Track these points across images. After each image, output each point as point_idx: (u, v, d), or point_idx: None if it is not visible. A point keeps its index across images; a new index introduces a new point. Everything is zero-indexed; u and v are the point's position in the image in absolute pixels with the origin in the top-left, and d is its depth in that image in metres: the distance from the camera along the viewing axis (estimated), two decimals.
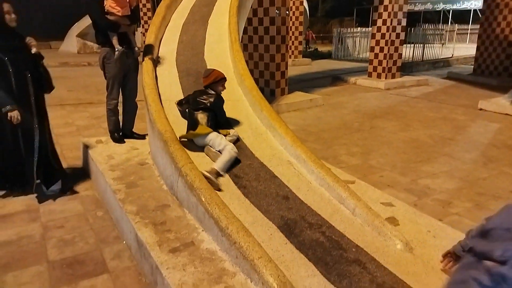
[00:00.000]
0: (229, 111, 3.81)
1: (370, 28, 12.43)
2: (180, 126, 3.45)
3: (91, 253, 2.71)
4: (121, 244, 2.81)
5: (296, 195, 2.84)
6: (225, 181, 2.89)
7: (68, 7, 19.75)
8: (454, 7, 21.69)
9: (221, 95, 3.50)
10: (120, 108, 4.11)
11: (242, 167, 3.12)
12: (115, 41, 3.74)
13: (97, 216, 3.20)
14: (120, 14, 3.71)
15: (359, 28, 18.96)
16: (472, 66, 11.57)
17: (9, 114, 3.10)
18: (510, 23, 10.08)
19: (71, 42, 17.84)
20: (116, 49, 3.72)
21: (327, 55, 18.36)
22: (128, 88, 4.04)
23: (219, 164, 2.96)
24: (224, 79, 3.51)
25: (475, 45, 11.58)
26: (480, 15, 11.25)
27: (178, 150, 2.87)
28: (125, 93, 4.07)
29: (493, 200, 3.54)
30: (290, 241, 2.33)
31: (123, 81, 3.97)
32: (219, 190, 2.75)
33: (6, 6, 3.14)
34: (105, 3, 3.67)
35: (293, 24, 14.86)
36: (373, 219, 2.49)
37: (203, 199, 2.45)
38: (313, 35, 12.69)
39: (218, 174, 2.88)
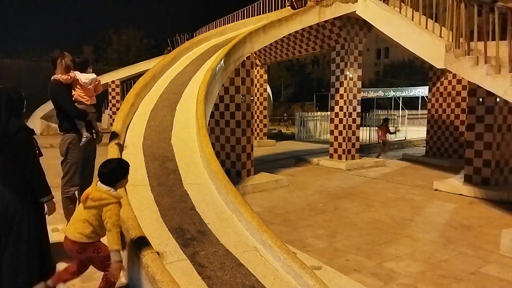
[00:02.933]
0: (195, 195, 3.82)
1: (329, 112, 13.32)
2: (143, 212, 3.38)
3: None
4: None
5: (262, 285, 2.76)
6: (189, 271, 2.78)
7: (31, 88, 19.94)
8: (403, 94, 23.95)
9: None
10: None
11: (207, 255, 3.04)
12: (83, 128, 3.78)
13: None
14: (88, 103, 3.81)
15: (319, 112, 20.25)
16: (424, 148, 12.43)
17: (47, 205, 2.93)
18: (454, 109, 11.18)
19: (35, 124, 17.63)
20: (84, 136, 3.75)
21: (291, 137, 19.19)
22: (85, 174, 3.97)
23: None
24: None
25: (425, 128, 12.57)
26: (427, 101, 12.43)
27: (140, 239, 2.77)
28: (81, 179, 3.97)
29: (456, 283, 3.59)
30: None
31: (83, 166, 3.92)
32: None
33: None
34: (73, 92, 3.78)
35: (257, 108, 15.67)
36: None
37: None
38: (385, 133, 11.17)
39: None
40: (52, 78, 3.82)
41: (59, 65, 3.86)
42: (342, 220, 5.55)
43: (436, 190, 7.44)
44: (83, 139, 3.73)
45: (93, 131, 4.00)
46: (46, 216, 3.03)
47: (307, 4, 9.55)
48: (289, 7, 10.55)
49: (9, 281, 2.82)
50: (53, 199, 3.01)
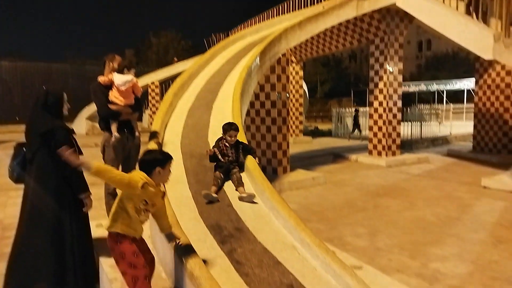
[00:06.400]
0: (232, 192, 3.83)
1: (367, 108, 12.94)
2: (181, 209, 3.43)
3: None
4: None
5: (301, 283, 2.71)
6: (226, 267, 2.79)
7: (76, 90, 20.94)
8: (448, 87, 22.80)
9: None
10: None
11: (244, 253, 3.03)
12: (113, 128, 3.91)
13: None
14: (122, 104, 3.92)
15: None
16: (471, 143, 11.78)
17: (85, 201, 3.08)
18: (503, 103, 10.50)
19: (80, 124, 18.58)
20: (113, 137, 3.87)
21: (327, 133, 18.87)
22: (128, 171, 4.10)
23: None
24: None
25: (471, 123, 11.92)
26: (474, 95, 11.78)
27: (179, 235, 2.81)
28: None
29: (508, 285, 3.36)
30: None
31: (124, 164, 4.05)
32: None
33: (65, 96, 3.20)
34: (109, 93, 3.91)
35: (293, 105, 15.55)
36: None
37: None
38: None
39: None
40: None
41: (106, 67, 4.02)
42: (383, 218, 5.37)
43: (484, 187, 7.02)
44: (113, 139, 3.86)
45: (133, 131, 4.10)
46: (88, 212, 3.16)
47: None
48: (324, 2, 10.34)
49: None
50: (91, 196, 3.14)
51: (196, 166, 4.16)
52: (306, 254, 3.07)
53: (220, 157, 3.91)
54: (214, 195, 3.58)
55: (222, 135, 3.98)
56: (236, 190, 3.72)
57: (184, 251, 2.68)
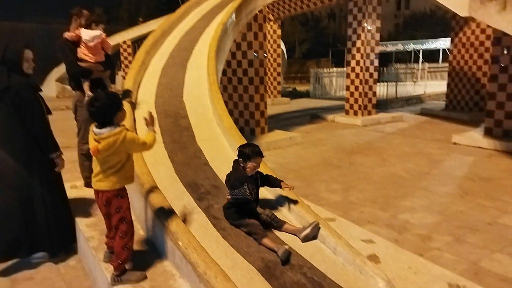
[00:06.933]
0: (209, 151, 3.82)
1: (345, 68, 12.92)
2: (157, 168, 3.41)
3: None
4: None
5: (276, 235, 2.79)
6: (204, 223, 2.83)
7: (44, 50, 19.89)
8: (424, 47, 22.91)
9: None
10: None
11: (221, 208, 3.07)
12: (86, 87, 3.76)
13: (69, 265, 3.05)
14: (92, 61, 3.75)
15: (334, 68, 19.70)
16: (444, 102, 12.06)
17: (56, 161, 3.02)
18: (476, 61, 10.68)
19: (49, 86, 17.79)
20: (87, 96, 3.73)
21: (305, 94, 18.87)
22: None
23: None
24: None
25: (445, 82, 12.15)
26: (449, 54, 11.91)
27: (155, 193, 2.81)
28: None
29: (471, 233, 3.58)
30: (271, 284, 2.27)
31: None
32: None
33: (28, 53, 2.98)
34: (78, 50, 3.72)
35: (271, 66, 15.33)
36: (355, 258, 2.45)
37: (180, 243, 2.38)
38: None
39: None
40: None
41: (73, 22, 3.79)
42: (357, 174, 5.52)
43: (454, 143, 7.28)
44: (86, 98, 3.72)
45: (106, 90, 3.97)
46: (62, 173, 3.09)
47: None
48: None
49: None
50: (62, 155, 3.06)
51: (171, 125, 4.10)
52: (282, 208, 3.15)
53: (247, 193, 2.66)
54: (286, 246, 2.45)
55: (240, 163, 2.76)
56: (282, 230, 2.72)
57: (160, 207, 2.70)
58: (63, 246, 3.16)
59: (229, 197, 2.77)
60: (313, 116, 11.08)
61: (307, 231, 2.61)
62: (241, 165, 2.74)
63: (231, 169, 2.79)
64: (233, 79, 8.09)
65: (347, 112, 10.55)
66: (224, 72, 8.00)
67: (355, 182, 5.17)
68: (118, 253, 2.35)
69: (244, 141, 3.88)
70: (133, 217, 3.09)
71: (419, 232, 3.59)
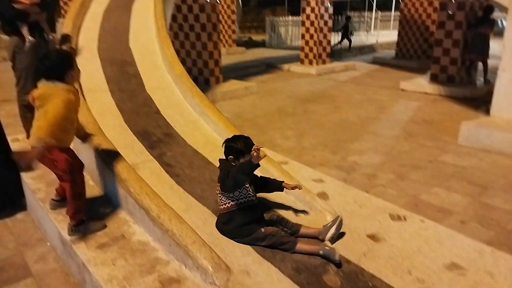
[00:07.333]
0: (159, 99, 3.70)
1: (300, 17, 12.72)
2: (105, 117, 3.27)
3: (11, 258, 2.49)
4: (45, 246, 2.62)
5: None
6: (156, 170, 2.81)
7: None
8: None
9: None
10: None
11: (175, 156, 3.05)
12: (25, 31, 3.42)
13: (17, 219, 2.94)
14: (28, 2, 3.39)
15: (290, 17, 19.34)
16: (395, 51, 12.37)
17: None
18: (427, 8, 10.91)
19: None
20: (27, 40, 3.40)
21: (261, 44, 18.52)
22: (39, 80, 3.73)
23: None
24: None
25: (397, 32, 12.37)
26: (401, 2, 12.03)
27: (103, 141, 2.71)
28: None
29: (413, 170, 3.84)
30: None
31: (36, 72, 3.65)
32: None
33: None
34: None
35: (225, 13, 14.74)
36: (305, 195, 2.57)
37: (132, 190, 2.35)
38: None
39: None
40: None
41: None
42: (310, 121, 5.65)
43: (402, 90, 7.59)
44: (27, 43, 3.40)
45: (44, 34, 3.63)
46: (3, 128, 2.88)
47: None
48: None
49: None
50: None
51: (117, 73, 3.89)
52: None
53: (251, 193, 2.17)
54: (328, 247, 2.00)
55: (231, 161, 2.16)
56: (298, 236, 2.17)
57: (110, 156, 2.62)
58: (9, 201, 3.03)
59: (225, 205, 2.15)
60: (269, 66, 10.98)
61: (332, 231, 2.12)
62: (233, 164, 2.12)
63: (220, 171, 2.16)
64: (184, 26, 7.71)
65: (302, 62, 10.55)
66: (174, 18, 7.58)
67: (309, 128, 5.29)
68: (70, 203, 2.28)
69: (197, 89, 3.80)
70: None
71: (366, 172, 3.81)
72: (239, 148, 2.12)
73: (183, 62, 5.43)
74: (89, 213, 2.36)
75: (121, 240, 2.23)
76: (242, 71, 10.46)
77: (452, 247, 2.13)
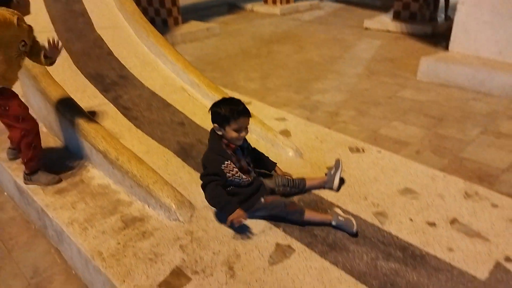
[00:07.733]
0: (111, 39, 3.47)
1: None
2: None
3: None
4: (2, 196, 2.52)
5: (192, 120, 2.78)
6: (113, 113, 2.69)
7: None
8: None
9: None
10: None
11: (132, 98, 2.93)
12: None
13: None
14: None
15: None
16: None
17: None
18: None
19: None
20: None
21: None
22: None
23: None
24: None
25: None
26: None
27: (51, 85, 2.54)
28: None
29: (374, 106, 3.92)
30: (188, 164, 2.32)
31: None
32: None
33: None
34: None
35: None
36: (267, 133, 2.57)
37: (86, 134, 2.25)
38: None
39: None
40: None
41: None
42: (274, 62, 5.55)
43: (366, 28, 7.52)
44: None
45: None
46: None
47: None
48: None
49: None
50: None
51: (63, 11, 3.56)
52: (196, 94, 3.09)
53: (241, 174, 1.86)
54: (341, 217, 1.82)
55: (216, 130, 1.84)
56: (306, 189, 2.08)
57: (61, 101, 2.47)
58: None
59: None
60: (231, 6, 10.48)
61: (338, 178, 2.06)
62: (219, 133, 1.82)
63: (204, 154, 1.88)
64: None
65: (265, 1, 10.11)
66: None
67: (273, 69, 5.21)
68: (23, 152, 2.16)
69: (152, 28, 3.58)
70: (33, 115, 2.83)
71: (329, 110, 3.85)
72: (222, 113, 1.76)
73: (137, 2, 5.03)
74: (43, 161, 2.26)
75: (80, 184, 2.18)
76: (203, 12, 9.93)
77: (406, 174, 2.24)
